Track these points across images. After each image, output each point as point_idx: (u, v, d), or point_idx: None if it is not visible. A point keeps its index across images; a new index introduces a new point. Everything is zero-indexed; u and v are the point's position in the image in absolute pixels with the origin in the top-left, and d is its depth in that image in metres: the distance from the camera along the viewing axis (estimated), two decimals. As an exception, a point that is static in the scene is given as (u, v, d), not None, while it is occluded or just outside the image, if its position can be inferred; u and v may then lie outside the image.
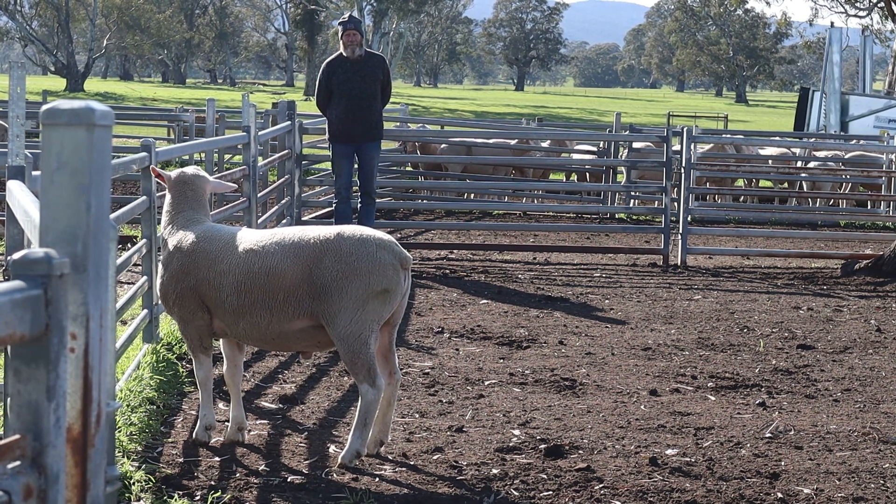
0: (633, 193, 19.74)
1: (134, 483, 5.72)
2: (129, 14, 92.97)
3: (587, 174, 21.45)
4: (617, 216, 18.75)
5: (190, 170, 6.64)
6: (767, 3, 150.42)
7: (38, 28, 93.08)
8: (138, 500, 5.58)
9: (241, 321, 6.20)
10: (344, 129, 12.88)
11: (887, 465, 6.51)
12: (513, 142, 20.38)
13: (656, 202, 18.71)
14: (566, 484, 6.01)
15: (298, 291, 6.08)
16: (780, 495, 5.92)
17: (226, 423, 6.68)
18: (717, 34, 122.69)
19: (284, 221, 14.02)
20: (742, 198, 21.50)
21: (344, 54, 12.89)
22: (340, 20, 13.13)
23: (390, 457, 6.39)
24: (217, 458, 6.30)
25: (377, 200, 17.74)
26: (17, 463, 2.37)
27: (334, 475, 6.07)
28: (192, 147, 12.32)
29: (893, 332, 10.55)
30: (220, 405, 7.30)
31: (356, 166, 13.13)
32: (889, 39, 55.25)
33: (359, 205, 13.12)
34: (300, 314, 6.12)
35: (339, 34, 13.09)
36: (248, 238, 6.30)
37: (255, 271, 6.13)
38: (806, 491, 6.01)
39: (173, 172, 6.57)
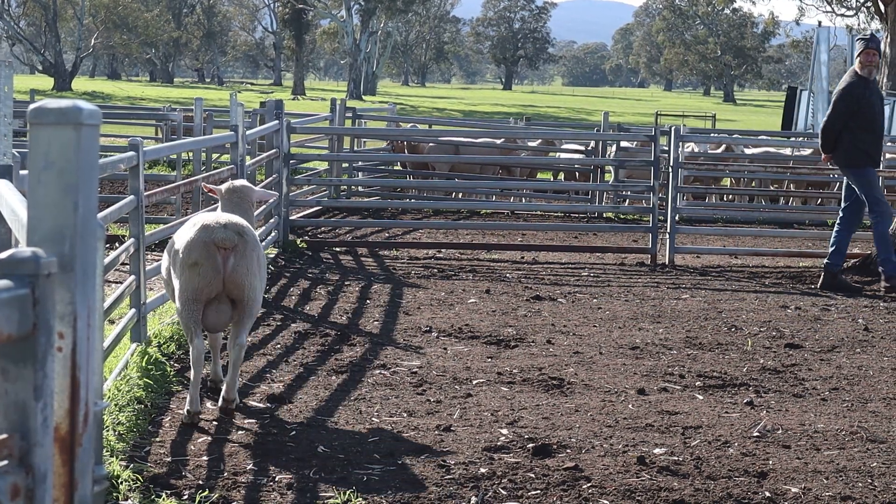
0: (621, 193, 19.75)
1: (122, 482, 5.71)
2: (117, 13, 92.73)
3: (575, 173, 21.45)
4: (605, 215, 18.72)
5: (238, 182, 7.70)
6: (753, 3, 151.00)
7: (26, 27, 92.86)
8: (126, 500, 5.58)
9: None
10: (877, 153, 12.91)
11: (875, 463, 6.52)
12: (499, 141, 20.37)
13: (644, 201, 18.73)
14: (554, 483, 6.02)
15: None
16: (767, 494, 5.93)
17: (213, 413, 6.67)
18: (704, 33, 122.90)
19: (272, 221, 14.01)
20: (730, 196, 21.51)
21: (861, 74, 12.60)
22: (861, 36, 12.86)
23: (378, 456, 6.39)
24: (205, 458, 6.30)
25: (366, 199, 17.79)
26: (5, 462, 2.36)
27: (322, 474, 6.07)
28: (180, 146, 12.30)
29: (881, 331, 10.57)
30: (209, 404, 7.30)
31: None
32: (876, 39, 55.31)
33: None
34: None
35: (857, 51, 12.69)
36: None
37: None
38: (794, 490, 6.02)
39: (223, 185, 7.66)
